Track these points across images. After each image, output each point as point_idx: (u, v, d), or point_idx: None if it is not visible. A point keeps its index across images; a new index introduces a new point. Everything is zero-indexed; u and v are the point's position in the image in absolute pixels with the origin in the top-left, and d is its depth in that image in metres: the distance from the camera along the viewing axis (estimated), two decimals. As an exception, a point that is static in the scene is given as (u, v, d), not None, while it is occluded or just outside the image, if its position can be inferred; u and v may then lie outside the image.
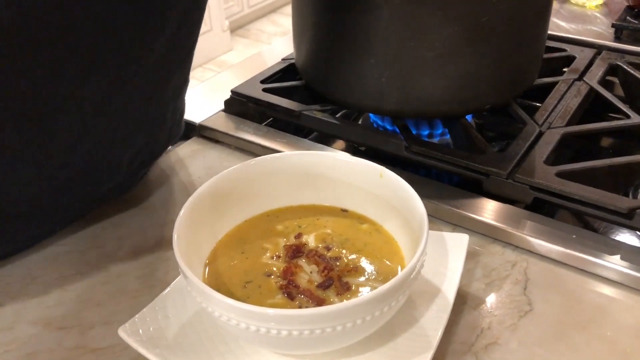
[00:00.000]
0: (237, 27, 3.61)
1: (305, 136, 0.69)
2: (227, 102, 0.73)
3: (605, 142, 0.74)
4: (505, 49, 0.60)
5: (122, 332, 0.40)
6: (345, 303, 0.34)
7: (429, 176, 0.62)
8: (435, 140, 0.70)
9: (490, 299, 0.47)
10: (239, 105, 0.72)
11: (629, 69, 0.74)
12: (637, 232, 0.55)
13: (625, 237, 0.55)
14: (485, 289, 0.48)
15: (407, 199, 0.43)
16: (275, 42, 1.02)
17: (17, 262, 0.52)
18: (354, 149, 0.70)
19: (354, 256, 0.44)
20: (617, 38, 0.88)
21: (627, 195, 0.58)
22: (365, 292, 0.41)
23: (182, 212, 0.41)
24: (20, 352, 0.44)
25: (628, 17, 0.91)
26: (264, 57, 0.91)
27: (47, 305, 0.47)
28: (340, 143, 0.72)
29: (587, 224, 0.58)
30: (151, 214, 0.58)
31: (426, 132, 0.70)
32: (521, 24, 0.60)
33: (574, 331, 0.44)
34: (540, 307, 0.46)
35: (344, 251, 0.44)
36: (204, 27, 2.76)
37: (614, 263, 0.48)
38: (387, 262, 0.44)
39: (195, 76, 2.51)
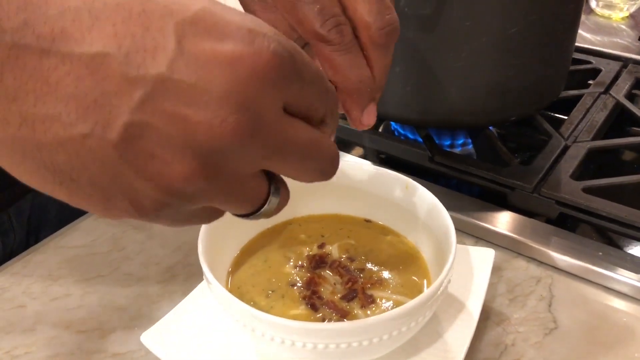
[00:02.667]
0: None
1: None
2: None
3: (628, 156, 0.74)
4: (533, 60, 0.60)
5: (145, 339, 0.40)
6: (373, 318, 0.34)
7: (448, 186, 0.62)
8: (458, 150, 0.69)
9: (515, 315, 0.46)
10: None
11: (655, 83, 0.73)
12: (664, 251, 0.54)
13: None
14: (509, 304, 0.47)
15: (433, 212, 0.43)
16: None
17: (39, 263, 0.52)
18: (373, 157, 0.69)
19: (377, 268, 0.44)
20: (643, 51, 0.87)
21: (653, 212, 0.57)
22: (389, 306, 0.40)
23: (207, 219, 0.41)
24: (41, 354, 0.44)
25: (654, 30, 0.90)
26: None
27: (68, 308, 0.47)
28: (359, 150, 0.72)
29: (610, 239, 0.57)
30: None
31: (448, 142, 0.69)
32: (549, 36, 0.59)
33: (600, 351, 0.43)
34: (566, 325, 0.45)
35: (368, 264, 0.44)
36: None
37: (641, 282, 0.47)
38: (412, 275, 0.43)
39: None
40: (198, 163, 0.21)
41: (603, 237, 0.57)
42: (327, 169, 0.26)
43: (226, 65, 0.21)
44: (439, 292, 0.36)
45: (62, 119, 0.20)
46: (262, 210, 0.26)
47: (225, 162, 0.22)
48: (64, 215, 0.58)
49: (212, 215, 0.27)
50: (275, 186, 0.26)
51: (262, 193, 0.26)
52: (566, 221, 0.55)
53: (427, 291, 0.35)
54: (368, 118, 0.34)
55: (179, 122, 0.21)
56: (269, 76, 0.22)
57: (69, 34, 0.20)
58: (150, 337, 0.40)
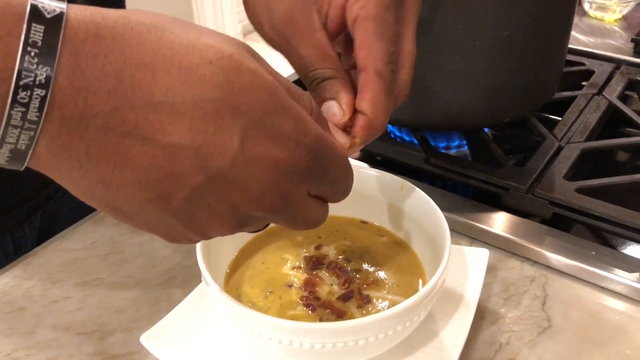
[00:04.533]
0: (250, 32, 3.62)
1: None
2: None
3: (622, 157, 0.74)
4: (526, 63, 0.60)
5: (144, 340, 0.40)
6: (369, 317, 0.34)
7: (443, 187, 0.62)
8: (453, 152, 0.70)
9: (509, 314, 0.47)
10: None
11: (648, 84, 0.74)
12: (657, 250, 0.55)
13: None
14: (504, 303, 0.48)
15: (429, 213, 0.43)
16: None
17: (39, 266, 0.52)
18: (370, 159, 0.70)
19: (374, 269, 0.44)
20: (636, 52, 0.88)
21: (646, 212, 0.57)
22: (385, 306, 0.41)
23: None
24: (41, 357, 0.44)
25: (647, 32, 0.91)
26: (278, 64, 0.91)
27: (68, 311, 0.48)
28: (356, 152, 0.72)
29: (604, 239, 0.57)
30: (170, 220, 0.58)
31: (444, 144, 0.70)
32: (543, 39, 0.60)
33: (593, 349, 0.44)
34: (559, 324, 0.46)
35: (364, 264, 0.45)
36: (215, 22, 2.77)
37: (634, 280, 0.48)
38: (407, 276, 0.44)
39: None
40: (235, 222, 0.29)
41: (597, 237, 0.58)
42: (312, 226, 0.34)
43: (272, 166, 0.27)
44: (433, 292, 0.37)
45: (133, 184, 0.25)
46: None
47: (250, 224, 0.30)
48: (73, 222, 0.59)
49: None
50: None
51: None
52: (560, 221, 0.55)
53: (421, 291, 0.36)
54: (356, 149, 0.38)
55: (227, 199, 0.27)
56: (300, 175, 0.29)
57: (150, 123, 0.24)
58: (149, 338, 0.41)
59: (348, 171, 0.33)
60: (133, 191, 0.26)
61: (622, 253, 0.52)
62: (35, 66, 0.22)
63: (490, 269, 0.51)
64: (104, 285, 0.50)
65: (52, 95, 0.23)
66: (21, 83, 0.22)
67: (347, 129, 0.36)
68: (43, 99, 0.22)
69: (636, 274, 0.48)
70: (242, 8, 0.44)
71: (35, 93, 0.22)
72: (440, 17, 0.56)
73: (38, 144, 0.23)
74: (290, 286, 0.43)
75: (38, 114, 0.23)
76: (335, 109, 0.35)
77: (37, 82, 0.22)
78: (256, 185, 0.27)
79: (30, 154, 0.24)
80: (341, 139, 0.35)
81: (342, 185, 0.33)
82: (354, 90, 0.36)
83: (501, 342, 0.44)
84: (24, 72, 0.22)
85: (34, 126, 0.23)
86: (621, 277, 0.48)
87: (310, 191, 0.31)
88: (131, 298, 0.49)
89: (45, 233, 0.65)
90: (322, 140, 0.29)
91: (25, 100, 0.22)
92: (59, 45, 0.22)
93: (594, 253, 0.51)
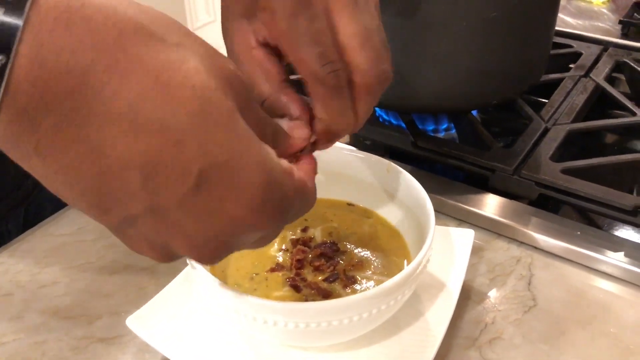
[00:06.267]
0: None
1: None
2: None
3: (610, 138, 0.75)
4: (513, 45, 0.60)
5: (130, 323, 0.41)
6: (352, 297, 0.34)
7: (432, 170, 0.62)
8: (441, 135, 0.70)
9: (495, 294, 0.47)
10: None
11: (635, 66, 0.74)
12: (642, 230, 0.55)
13: (628, 233, 0.56)
14: (490, 284, 0.48)
15: (414, 194, 0.43)
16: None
17: (26, 252, 0.52)
18: (358, 143, 0.70)
19: (359, 250, 0.45)
20: (624, 35, 0.88)
21: (631, 192, 0.58)
22: (370, 286, 0.41)
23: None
24: (29, 341, 0.44)
25: (635, 14, 0.91)
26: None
27: (56, 295, 0.48)
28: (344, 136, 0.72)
29: (591, 220, 0.58)
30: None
31: (431, 127, 0.70)
32: (529, 20, 0.60)
33: (578, 327, 0.44)
34: (545, 303, 0.46)
35: (350, 245, 0.45)
36: (207, 18, 2.75)
37: (618, 260, 0.48)
38: (393, 257, 0.44)
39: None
40: (171, 259, 0.27)
41: (583, 217, 0.58)
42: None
43: (223, 222, 0.25)
44: (417, 271, 0.37)
45: (75, 187, 0.23)
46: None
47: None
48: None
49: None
50: None
51: None
52: (547, 202, 0.56)
53: (405, 270, 0.36)
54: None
55: (164, 238, 0.25)
56: (252, 232, 0.26)
57: (103, 135, 0.22)
58: (135, 321, 0.41)
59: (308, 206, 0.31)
60: (75, 194, 0.24)
61: (608, 233, 0.52)
62: None
63: (477, 250, 0.51)
64: (91, 270, 0.50)
65: (6, 86, 0.20)
66: None
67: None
68: None
69: (621, 254, 0.49)
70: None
71: None
72: (426, -1, 0.56)
73: None
74: (276, 268, 0.43)
75: None
76: (291, 125, 0.33)
77: None
78: (199, 235, 0.25)
79: None
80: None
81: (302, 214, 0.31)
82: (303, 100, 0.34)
83: (487, 321, 0.45)
84: None
85: None
86: (606, 257, 0.49)
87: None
88: (119, 283, 0.49)
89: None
90: (299, 192, 0.28)
91: None
92: (19, 33, 0.20)
93: (579, 233, 0.51)
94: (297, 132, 0.33)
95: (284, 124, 0.33)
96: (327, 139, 0.34)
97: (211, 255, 0.27)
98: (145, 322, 0.41)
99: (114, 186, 0.23)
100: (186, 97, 0.22)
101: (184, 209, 0.24)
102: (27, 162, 0.23)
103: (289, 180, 0.27)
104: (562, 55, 0.79)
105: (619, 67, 0.77)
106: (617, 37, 0.85)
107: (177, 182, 0.23)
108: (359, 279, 0.42)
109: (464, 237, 0.47)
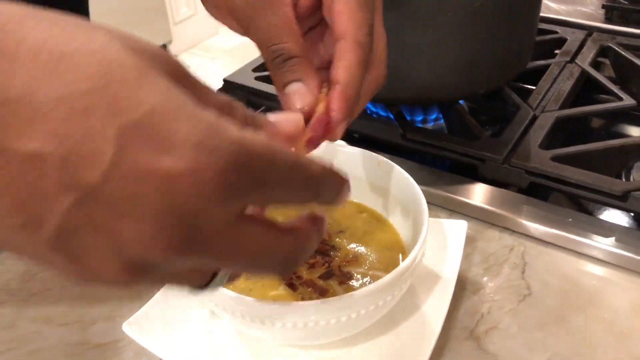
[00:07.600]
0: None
1: (299, 124, 0.69)
2: (220, 91, 0.73)
3: (596, 123, 0.75)
4: (499, 33, 0.60)
5: (126, 327, 0.40)
6: (349, 295, 0.34)
7: (422, 162, 0.62)
8: (429, 125, 0.70)
9: (489, 284, 0.47)
10: (231, 94, 0.72)
11: (619, 50, 0.75)
12: (631, 214, 0.56)
13: (618, 218, 0.56)
14: (484, 274, 0.48)
15: (406, 188, 0.43)
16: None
17: (16, 259, 0.52)
18: (347, 137, 0.69)
19: (354, 245, 0.44)
20: (608, 19, 0.88)
21: (620, 177, 0.58)
22: (366, 281, 0.41)
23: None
24: (23, 350, 0.44)
25: (618, -2, 0.91)
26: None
27: (49, 302, 0.47)
28: (334, 130, 0.72)
29: (581, 206, 0.58)
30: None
31: (420, 118, 0.70)
32: (514, 8, 0.60)
33: (572, 314, 0.45)
34: (539, 291, 0.47)
35: (344, 241, 0.45)
36: (188, 11, 2.72)
37: (610, 245, 0.49)
38: (388, 251, 0.44)
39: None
40: (128, 272, 0.21)
41: (573, 203, 0.58)
42: (281, 271, 0.25)
43: (162, 184, 0.19)
44: (413, 266, 0.37)
45: None
46: (208, 286, 0.26)
47: (155, 271, 0.22)
48: None
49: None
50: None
51: (204, 280, 0.25)
52: (537, 190, 0.56)
53: (401, 265, 0.36)
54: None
55: (107, 234, 0.20)
56: (211, 194, 0.20)
57: (5, 128, 0.19)
58: (132, 326, 0.40)
59: (306, 174, 0.24)
60: None
61: (598, 219, 0.53)
62: None
63: (470, 240, 0.52)
64: (83, 275, 0.50)
65: None
66: None
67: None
68: None
69: (612, 239, 0.49)
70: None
71: None
72: (411, -10, 0.55)
73: None
74: (271, 267, 0.43)
75: None
76: (304, 91, 0.33)
77: None
78: (143, 212, 0.19)
79: None
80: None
81: (304, 193, 0.24)
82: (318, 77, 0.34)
83: (483, 311, 0.45)
84: None
85: None
86: (598, 243, 0.49)
87: (244, 211, 0.22)
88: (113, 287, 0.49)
89: None
90: (246, 143, 0.21)
91: None
92: None
93: (570, 220, 0.51)
94: (288, 116, 0.30)
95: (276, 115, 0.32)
96: (338, 108, 0.33)
97: (174, 244, 0.20)
98: (141, 326, 0.41)
99: (35, 187, 0.19)
100: (83, 62, 0.19)
101: (112, 183, 0.19)
102: None
103: (251, 139, 0.21)
104: (547, 41, 0.79)
105: (603, 51, 0.77)
106: (600, 22, 0.85)
107: (94, 156, 0.19)
108: (355, 274, 0.42)
109: (457, 229, 0.47)
